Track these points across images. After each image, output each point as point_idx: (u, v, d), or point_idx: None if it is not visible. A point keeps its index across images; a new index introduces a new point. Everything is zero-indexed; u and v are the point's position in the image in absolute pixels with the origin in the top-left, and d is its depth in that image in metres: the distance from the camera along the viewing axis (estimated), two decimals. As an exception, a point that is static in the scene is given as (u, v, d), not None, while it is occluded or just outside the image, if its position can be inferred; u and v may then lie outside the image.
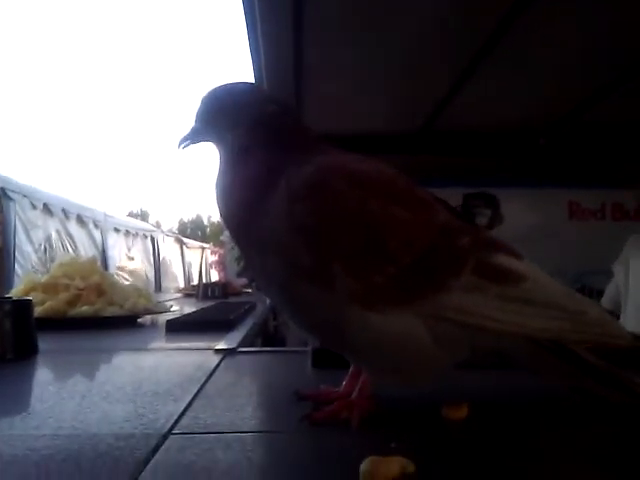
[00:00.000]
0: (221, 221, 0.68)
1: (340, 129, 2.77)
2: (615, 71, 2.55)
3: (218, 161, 0.69)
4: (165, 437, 0.57)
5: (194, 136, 0.72)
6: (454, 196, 3.63)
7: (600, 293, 3.36)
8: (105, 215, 5.98)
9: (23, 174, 4.75)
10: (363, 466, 0.45)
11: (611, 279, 2.95)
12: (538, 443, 0.57)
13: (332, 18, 2.14)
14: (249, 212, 0.63)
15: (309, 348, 0.97)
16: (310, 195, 0.60)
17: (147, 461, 0.50)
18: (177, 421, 0.63)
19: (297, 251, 0.59)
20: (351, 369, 0.71)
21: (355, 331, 0.60)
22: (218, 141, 0.70)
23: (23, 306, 1.09)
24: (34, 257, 4.26)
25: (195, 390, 0.77)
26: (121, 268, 5.51)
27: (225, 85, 0.72)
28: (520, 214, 3.86)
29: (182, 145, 0.72)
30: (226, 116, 0.68)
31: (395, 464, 0.45)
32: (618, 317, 2.69)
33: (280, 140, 0.66)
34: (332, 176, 0.62)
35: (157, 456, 0.52)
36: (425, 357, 0.61)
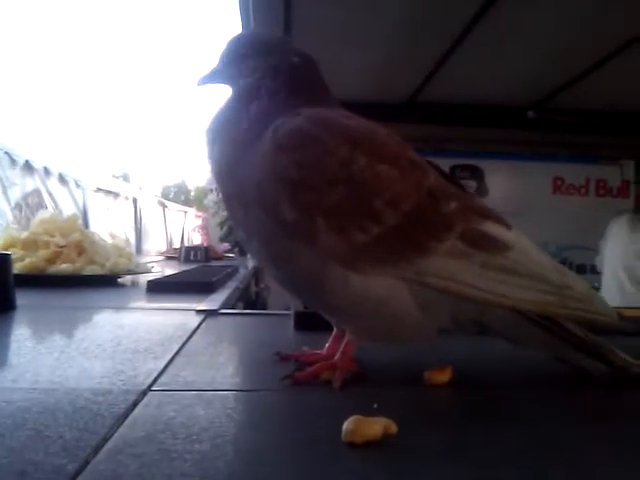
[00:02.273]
0: (208, 162, 0.67)
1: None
2: (607, 45, 2.53)
3: (225, 100, 0.69)
4: (144, 393, 0.56)
5: (213, 77, 0.70)
6: (441, 167, 3.62)
7: (580, 268, 3.41)
8: (87, 175, 5.90)
9: (4, 131, 4.63)
10: (346, 425, 0.44)
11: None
12: (521, 407, 0.57)
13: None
14: (236, 156, 0.62)
15: (291, 311, 0.96)
16: (296, 146, 0.59)
17: (125, 416, 0.49)
18: (157, 378, 0.62)
19: (279, 203, 0.58)
20: (334, 332, 0.70)
21: (335, 290, 0.59)
22: (234, 84, 0.68)
23: (1, 260, 1.07)
24: (10, 215, 4.19)
25: (175, 349, 0.76)
26: (101, 228, 5.46)
27: (252, 31, 0.72)
28: (505, 187, 3.87)
29: (201, 84, 0.71)
30: (247, 60, 0.68)
31: (378, 424, 0.45)
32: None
33: (292, 92, 0.65)
34: (320, 128, 0.60)
35: (135, 411, 0.51)
36: (406, 321, 0.61)
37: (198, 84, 0.71)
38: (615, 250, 2.75)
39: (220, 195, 0.69)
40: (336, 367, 0.62)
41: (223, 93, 0.70)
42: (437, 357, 0.67)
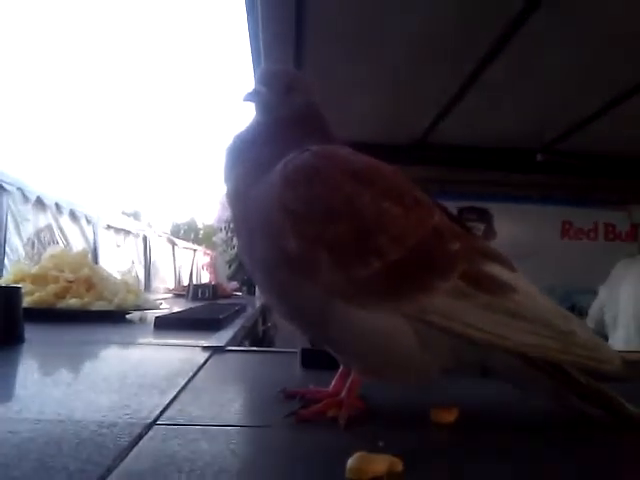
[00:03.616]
0: (224, 183, 0.69)
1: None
2: (616, 89, 2.56)
3: (250, 122, 0.72)
4: (149, 427, 0.56)
5: (256, 96, 0.71)
6: (448, 208, 3.63)
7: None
8: (98, 212, 5.96)
9: (17, 167, 4.74)
10: (350, 462, 0.44)
11: (595, 299, 3.00)
12: (525, 447, 0.56)
13: (333, 20, 2.13)
14: (248, 184, 0.64)
15: (298, 349, 0.96)
16: (302, 180, 0.60)
17: (130, 448, 0.49)
18: (162, 412, 0.62)
19: (284, 235, 0.59)
20: (340, 369, 0.70)
21: (337, 324, 0.60)
22: (271, 112, 0.70)
23: (11, 293, 1.08)
24: (22, 251, 4.23)
25: (181, 384, 0.76)
26: (111, 265, 5.48)
27: (295, 70, 0.77)
28: (513, 230, 3.87)
29: (246, 100, 0.72)
30: (292, 94, 0.70)
31: (383, 461, 0.45)
32: (603, 336, 2.72)
33: (309, 130, 0.68)
34: (327, 164, 0.62)
35: (140, 444, 0.51)
36: (408, 358, 0.61)
37: (244, 99, 0.72)
38: (631, 294, 2.73)
39: (231, 220, 0.71)
40: (342, 404, 0.62)
41: (235, 129, 0.72)
42: (443, 397, 0.67)
